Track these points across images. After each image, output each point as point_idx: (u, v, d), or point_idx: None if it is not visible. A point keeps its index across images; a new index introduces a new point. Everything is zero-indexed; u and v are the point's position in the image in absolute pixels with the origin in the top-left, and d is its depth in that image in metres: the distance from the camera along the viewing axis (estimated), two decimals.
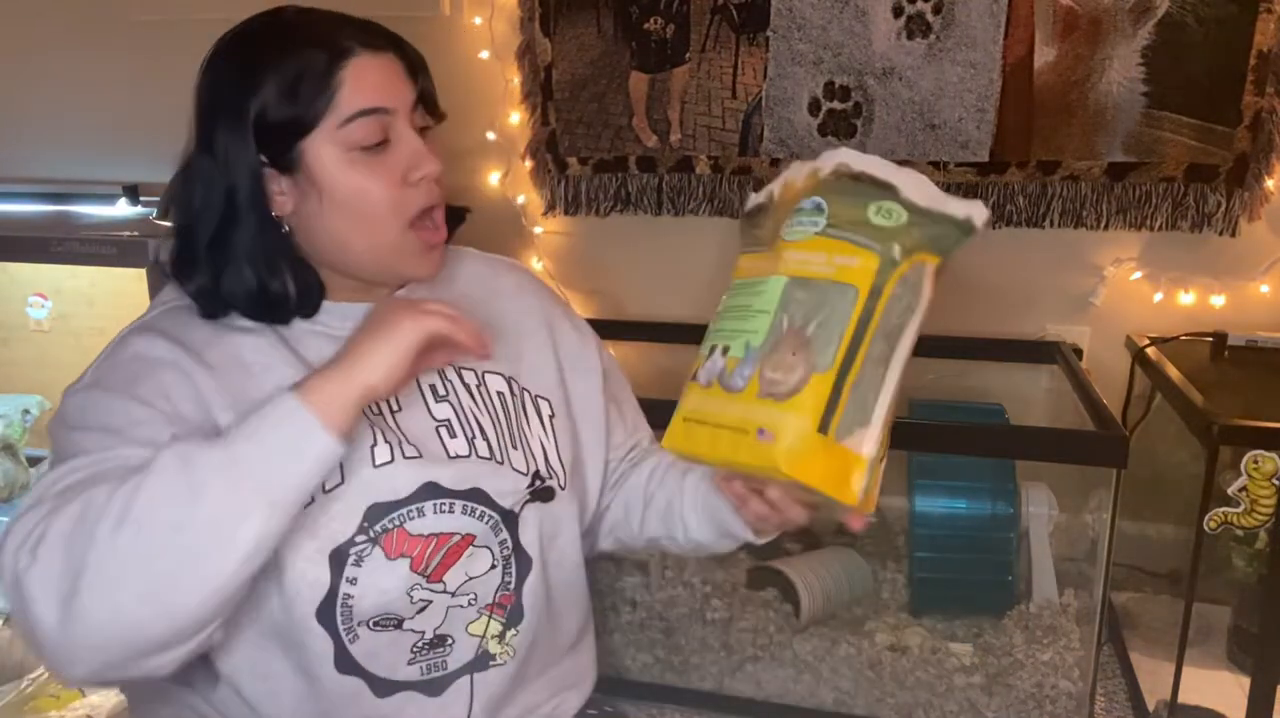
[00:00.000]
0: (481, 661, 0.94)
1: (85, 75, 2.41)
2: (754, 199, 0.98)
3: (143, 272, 1.63)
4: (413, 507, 0.88)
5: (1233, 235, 1.85)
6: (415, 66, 0.90)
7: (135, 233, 1.75)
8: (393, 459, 0.88)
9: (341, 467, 0.86)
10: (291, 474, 0.74)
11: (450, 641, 0.92)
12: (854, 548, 1.92)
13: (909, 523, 1.81)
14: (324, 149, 0.85)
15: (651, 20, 2.03)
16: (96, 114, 2.42)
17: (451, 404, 0.95)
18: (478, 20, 2.12)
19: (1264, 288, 1.89)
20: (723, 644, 1.66)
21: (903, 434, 1.61)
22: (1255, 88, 1.77)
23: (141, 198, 2.10)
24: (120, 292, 2.11)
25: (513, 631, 0.95)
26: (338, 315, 0.93)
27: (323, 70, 0.84)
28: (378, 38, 0.88)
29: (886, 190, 0.83)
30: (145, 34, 2.33)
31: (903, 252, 0.81)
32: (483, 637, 0.94)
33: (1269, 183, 1.81)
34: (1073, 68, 1.84)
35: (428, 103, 0.90)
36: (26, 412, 2.08)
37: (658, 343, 2.13)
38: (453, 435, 0.93)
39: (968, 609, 1.77)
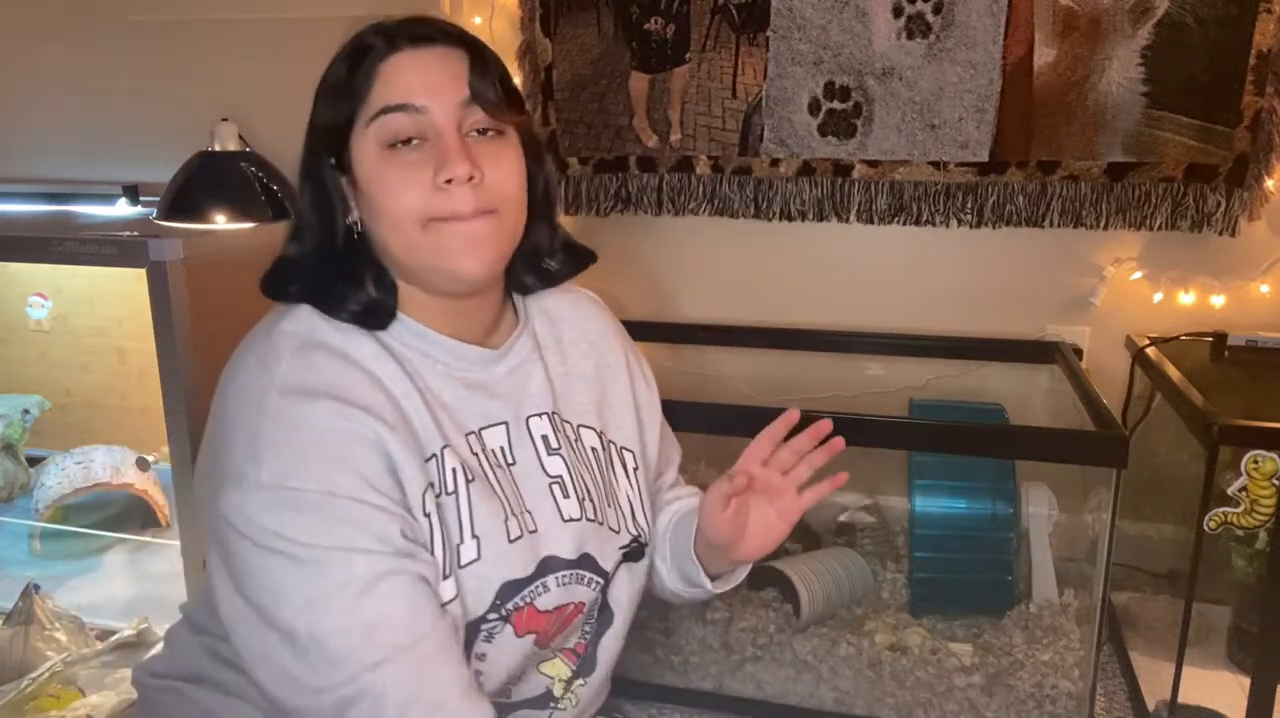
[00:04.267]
0: (543, 700, 0.92)
1: (85, 75, 2.41)
2: None
3: (143, 272, 1.63)
4: (538, 582, 0.86)
5: (1233, 235, 1.85)
6: (478, 65, 0.84)
7: (135, 233, 1.75)
8: (522, 535, 0.86)
9: (479, 542, 0.82)
10: None
11: (522, 674, 0.91)
12: (854, 548, 1.93)
13: (909, 523, 1.81)
14: (361, 148, 0.83)
15: (652, 20, 2.03)
16: (96, 114, 2.42)
17: (563, 458, 0.91)
18: (478, 20, 2.12)
19: (1264, 288, 1.89)
20: (723, 644, 1.66)
21: (903, 434, 1.63)
22: (1255, 88, 1.77)
23: (141, 198, 2.10)
24: (120, 292, 2.11)
25: (580, 680, 0.94)
26: (406, 332, 0.87)
27: (361, 69, 0.83)
28: (430, 33, 0.84)
29: None
30: (144, 34, 2.33)
31: None
32: (553, 678, 0.92)
33: (1269, 183, 1.81)
34: (1073, 68, 1.84)
35: (484, 102, 0.83)
36: (26, 412, 2.08)
37: (658, 343, 2.13)
38: (565, 495, 0.90)
39: (968, 609, 1.76)
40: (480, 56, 0.85)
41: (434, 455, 0.82)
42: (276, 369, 0.80)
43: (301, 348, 0.82)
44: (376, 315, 0.86)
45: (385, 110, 0.82)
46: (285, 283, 0.87)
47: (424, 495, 0.79)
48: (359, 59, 0.83)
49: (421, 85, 0.82)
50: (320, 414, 0.77)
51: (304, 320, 0.85)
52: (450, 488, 0.82)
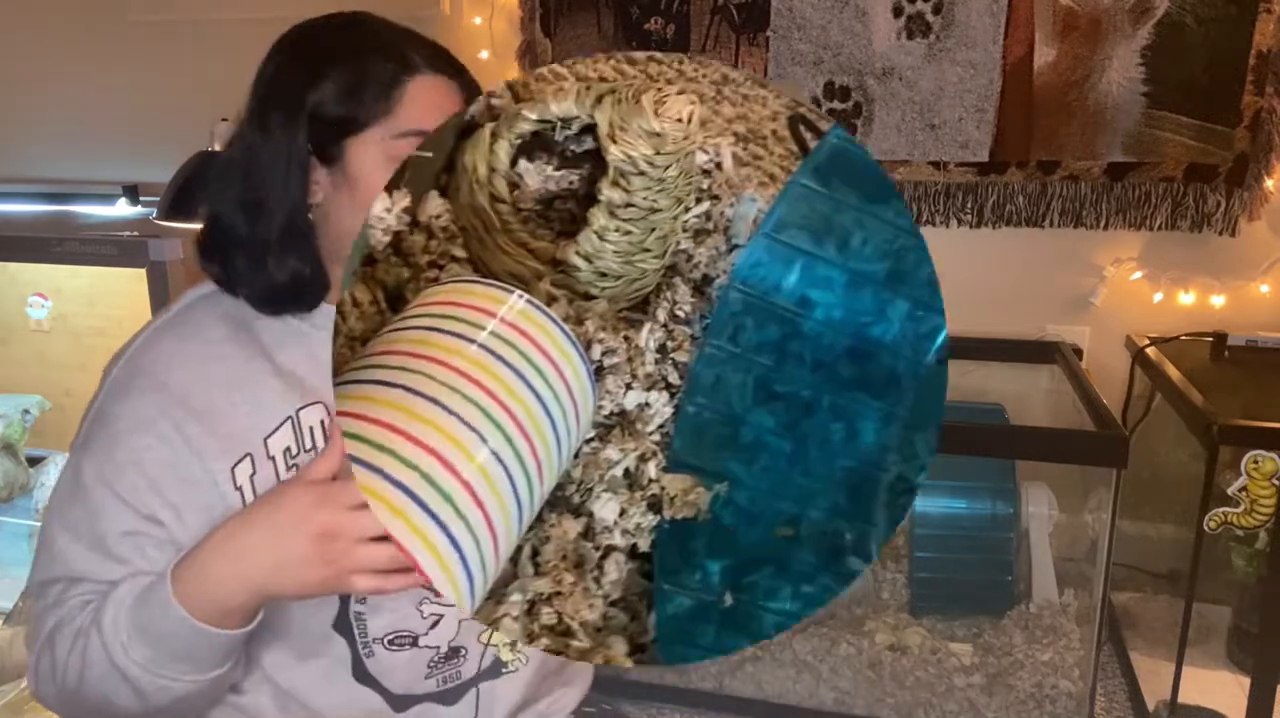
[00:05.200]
0: (494, 668, 0.95)
1: (85, 75, 2.41)
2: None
3: (143, 272, 1.63)
4: None
5: (1232, 235, 1.85)
6: (470, 97, 0.90)
7: (135, 233, 1.75)
8: None
9: None
10: (193, 662, 0.78)
11: (464, 651, 0.93)
12: None
13: (909, 523, 1.81)
14: (369, 152, 0.86)
15: (652, 20, 2.03)
16: (96, 114, 2.42)
17: None
18: (478, 20, 2.12)
19: (1264, 288, 1.89)
20: None
21: None
22: (1255, 88, 1.77)
23: (141, 198, 2.10)
24: (120, 292, 2.11)
25: None
26: (324, 317, 0.91)
27: (388, 79, 0.85)
28: (443, 62, 0.89)
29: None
30: (144, 34, 2.33)
31: None
32: (497, 646, 0.95)
33: (1269, 183, 1.81)
34: (1073, 68, 1.84)
35: None
36: (26, 412, 2.07)
37: None
38: None
39: (968, 609, 1.76)
40: (470, 90, 0.91)
41: (289, 418, 0.87)
42: (134, 344, 0.89)
43: (163, 325, 0.89)
44: (308, 298, 0.90)
45: (416, 133, 0.85)
46: (216, 254, 0.90)
47: (235, 469, 0.85)
48: (383, 74, 0.85)
49: (441, 114, 0.86)
50: (129, 398, 0.85)
51: (189, 299, 0.92)
52: (309, 445, 0.88)
